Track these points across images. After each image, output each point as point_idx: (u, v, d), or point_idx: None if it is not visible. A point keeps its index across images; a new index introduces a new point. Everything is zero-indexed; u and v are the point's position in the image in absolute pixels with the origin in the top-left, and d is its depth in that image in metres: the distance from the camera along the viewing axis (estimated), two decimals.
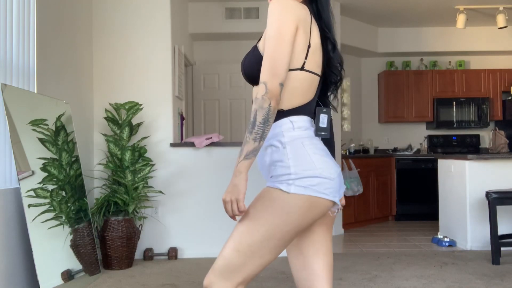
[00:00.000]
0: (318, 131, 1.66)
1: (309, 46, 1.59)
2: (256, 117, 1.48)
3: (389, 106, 7.57)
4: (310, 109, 1.66)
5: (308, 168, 1.52)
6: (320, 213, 1.57)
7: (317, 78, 1.66)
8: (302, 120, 1.62)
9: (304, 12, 1.59)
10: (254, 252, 1.53)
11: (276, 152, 1.58)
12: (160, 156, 4.70)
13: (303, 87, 1.61)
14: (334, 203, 1.59)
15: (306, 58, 1.58)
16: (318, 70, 1.65)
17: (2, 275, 2.91)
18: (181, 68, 5.23)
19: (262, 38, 1.62)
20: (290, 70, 1.57)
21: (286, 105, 1.61)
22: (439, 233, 5.48)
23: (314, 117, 1.67)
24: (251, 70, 1.63)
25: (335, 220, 6.04)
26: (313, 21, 1.63)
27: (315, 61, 1.62)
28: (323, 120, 1.68)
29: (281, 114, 1.61)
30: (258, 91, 1.50)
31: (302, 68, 1.59)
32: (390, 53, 7.63)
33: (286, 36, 1.52)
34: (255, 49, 1.64)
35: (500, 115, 7.58)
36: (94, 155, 4.67)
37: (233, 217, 1.53)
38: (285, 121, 1.60)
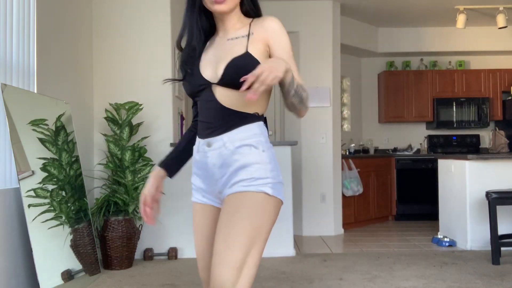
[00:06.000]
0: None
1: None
2: (304, 92, 1.61)
3: (389, 106, 7.57)
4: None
5: (279, 174, 1.65)
6: None
7: None
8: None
9: None
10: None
11: (254, 153, 1.60)
12: (160, 156, 4.66)
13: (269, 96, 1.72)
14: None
15: None
16: None
17: (2, 275, 2.91)
18: None
19: (255, 47, 1.61)
20: None
21: (262, 110, 1.68)
22: (439, 233, 5.48)
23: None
24: (245, 74, 1.49)
25: (336, 220, 6.07)
26: None
27: None
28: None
29: (259, 117, 1.67)
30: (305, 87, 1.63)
31: None
32: (390, 53, 7.63)
33: None
34: (247, 54, 1.59)
35: (500, 115, 7.58)
36: (94, 155, 4.67)
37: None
38: (262, 125, 1.67)
